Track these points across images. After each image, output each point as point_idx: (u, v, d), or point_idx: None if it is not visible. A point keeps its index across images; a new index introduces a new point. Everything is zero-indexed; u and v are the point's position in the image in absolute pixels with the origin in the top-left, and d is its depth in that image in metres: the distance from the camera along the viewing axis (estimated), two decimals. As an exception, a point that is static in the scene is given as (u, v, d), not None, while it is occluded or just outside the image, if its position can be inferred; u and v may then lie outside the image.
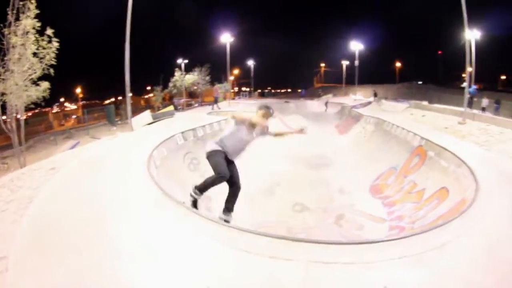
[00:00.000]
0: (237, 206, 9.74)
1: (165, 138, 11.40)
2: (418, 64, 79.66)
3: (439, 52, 74.54)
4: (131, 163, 8.24)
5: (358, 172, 13.47)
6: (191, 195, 6.21)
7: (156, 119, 19.38)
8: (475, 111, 22.03)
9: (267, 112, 6.56)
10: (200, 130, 14.06)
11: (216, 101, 27.41)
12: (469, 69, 33.94)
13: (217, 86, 28.46)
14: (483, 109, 22.90)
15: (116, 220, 4.80)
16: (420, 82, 69.34)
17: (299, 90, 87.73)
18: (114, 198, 5.70)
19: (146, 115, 19.80)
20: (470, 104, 23.48)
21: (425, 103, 27.21)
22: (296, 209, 10.16)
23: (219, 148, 6.24)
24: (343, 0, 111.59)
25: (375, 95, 43.53)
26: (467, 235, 4.82)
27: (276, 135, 7.30)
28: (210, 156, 6.26)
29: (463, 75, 19.77)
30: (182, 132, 12.70)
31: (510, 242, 4.72)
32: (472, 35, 29.24)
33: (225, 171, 5.95)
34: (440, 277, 3.71)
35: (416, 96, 37.39)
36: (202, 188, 6.24)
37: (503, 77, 67.32)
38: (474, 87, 23.03)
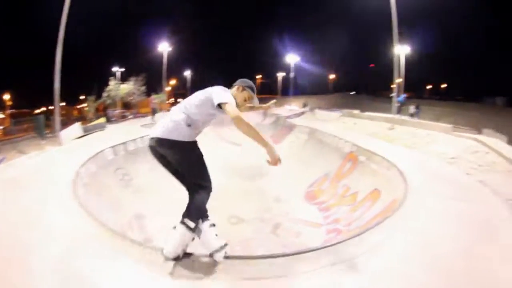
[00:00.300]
0: (174, 222, 9.34)
1: (94, 153, 10.55)
2: (352, 76, 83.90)
3: (371, 65, 79.37)
4: (56, 182, 7.49)
5: (293, 180, 13.53)
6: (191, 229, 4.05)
7: (87, 132, 18.35)
8: (403, 117, 23.37)
9: (250, 95, 4.41)
10: (131, 144, 13.18)
11: (154, 112, 26.44)
12: (399, 80, 36.63)
13: (153, 96, 27.39)
14: (411, 115, 24.33)
15: (35, 257, 4.20)
16: (353, 93, 72.80)
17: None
18: (33, 228, 5.02)
19: (76, 128, 18.69)
20: (399, 111, 24.97)
21: (356, 111, 28.42)
22: (232, 222, 9.95)
23: (194, 137, 4.21)
24: (281, 15, 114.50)
25: (304, 105, 44.52)
26: (400, 235, 4.94)
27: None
28: (184, 149, 4.04)
29: (392, 86, 20.99)
30: (112, 147, 11.88)
31: (442, 237, 4.89)
32: (401, 50, 31.62)
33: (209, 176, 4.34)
34: (375, 280, 3.69)
35: (349, 106, 38.92)
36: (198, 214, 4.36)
37: (429, 87, 74.18)
38: (403, 96, 24.73)
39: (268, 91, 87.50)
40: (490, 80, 57.84)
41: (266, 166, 10.87)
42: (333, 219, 9.48)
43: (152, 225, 8.90)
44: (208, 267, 3.84)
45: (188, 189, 4.37)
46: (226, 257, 4.09)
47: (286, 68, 57.88)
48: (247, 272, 3.81)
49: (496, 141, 13.27)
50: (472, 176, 9.64)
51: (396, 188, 8.15)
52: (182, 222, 4.00)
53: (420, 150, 13.20)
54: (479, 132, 16.00)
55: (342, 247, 4.44)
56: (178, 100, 74.83)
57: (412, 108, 25.08)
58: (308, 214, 10.28)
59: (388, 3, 18.07)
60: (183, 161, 4.10)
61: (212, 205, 10.54)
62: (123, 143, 12.70)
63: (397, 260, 4.11)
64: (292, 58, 52.80)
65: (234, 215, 10.32)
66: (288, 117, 30.87)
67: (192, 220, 4.02)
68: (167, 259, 3.93)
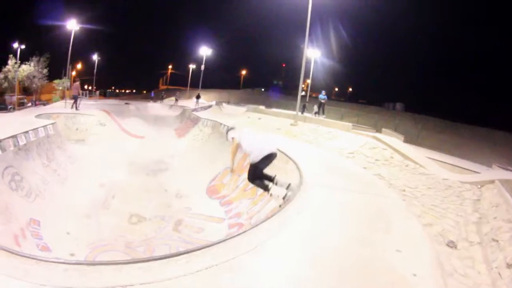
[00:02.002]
0: (71, 226, 8.86)
1: None
2: (263, 73, 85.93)
3: (283, 65, 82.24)
4: None
5: (196, 174, 13.64)
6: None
7: (-28, 124, 16.36)
8: (307, 114, 24.58)
9: None
10: (22, 137, 11.50)
11: (76, 99, 24.12)
12: (308, 80, 38.56)
13: (78, 83, 24.79)
14: (316, 113, 25.52)
15: None
16: (262, 89, 74.64)
17: (144, 91, 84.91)
18: None
19: (-42, 119, 16.59)
20: (303, 109, 26.09)
21: (262, 107, 29.23)
22: (133, 221, 9.77)
23: None
24: (195, 6, 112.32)
25: (198, 97, 44.28)
26: (288, 229, 5.06)
27: None
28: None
29: (302, 85, 21.82)
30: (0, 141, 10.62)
31: (333, 228, 5.14)
32: (313, 53, 33.59)
33: None
34: (257, 282, 3.68)
35: (257, 102, 39.80)
36: None
37: (336, 89, 79.66)
38: (323, 93, 25.52)
39: (179, 82, 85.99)
40: (392, 86, 64.04)
41: (168, 160, 10.73)
42: (235, 213, 9.75)
43: (48, 232, 8.30)
44: (80, 275, 3.65)
45: None
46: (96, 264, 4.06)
47: (199, 61, 57.24)
48: (115, 279, 3.63)
49: (393, 139, 14.57)
50: (369, 169, 10.55)
51: (293, 182, 8.59)
52: None
53: (321, 146, 14.03)
54: (379, 131, 17.52)
55: (221, 248, 4.40)
56: (84, 86, 69.70)
57: (315, 107, 26.33)
58: (210, 209, 10.46)
59: (305, 7, 18.86)
60: None
61: (111, 204, 10.37)
62: (13, 136, 11.33)
63: (282, 258, 4.17)
64: (204, 51, 52.33)
65: (135, 213, 10.14)
66: (195, 110, 30.69)
67: None
68: None
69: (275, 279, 3.71)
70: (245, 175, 11.49)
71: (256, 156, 6.54)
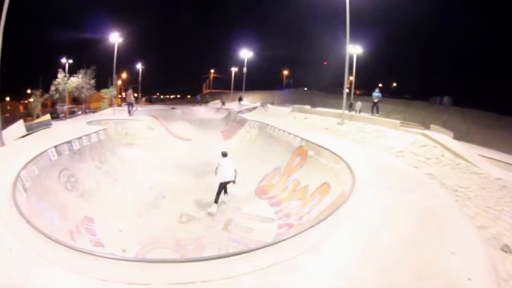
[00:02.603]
0: (122, 224, 9.14)
1: (36, 155, 9.57)
2: (305, 72, 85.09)
3: (325, 62, 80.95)
4: None
5: (244, 175, 13.36)
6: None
7: (30, 130, 17.28)
8: (353, 113, 23.92)
9: None
10: (76, 142, 12.30)
11: (129, 105, 25.31)
12: (351, 78, 37.68)
13: (131, 91, 26.00)
14: (359, 111, 24.83)
15: None
16: (305, 89, 73.76)
17: (189, 96, 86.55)
18: None
19: (19, 126, 17.48)
20: (350, 108, 25.28)
21: (307, 107, 28.67)
22: (183, 220, 9.81)
23: None
24: (236, 9, 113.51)
25: (240, 99, 44.55)
26: (343, 229, 4.98)
27: None
28: None
29: (345, 83, 21.17)
30: (56, 146, 10.94)
31: (387, 229, 5.00)
32: (353, 49, 32.60)
33: None
34: (316, 281, 3.63)
35: (301, 101, 39.37)
36: None
37: (380, 85, 76.93)
38: (377, 90, 23.06)
39: (222, 85, 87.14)
40: (438, 80, 60.97)
41: (216, 162, 10.82)
42: (284, 214, 9.60)
43: (101, 229, 8.60)
44: (141, 272, 3.67)
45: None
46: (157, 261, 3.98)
47: (240, 63, 57.54)
48: (175, 276, 3.65)
49: (443, 136, 13.88)
50: (420, 169, 10.07)
51: (344, 182, 8.38)
52: None
53: (369, 144, 13.60)
54: (427, 128, 16.74)
55: (280, 247, 4.39)
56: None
57: (358, 104, 25.61)
58: (259, 209, 10.35)
59: (344, 3, 18.39)
60: None
61: (162, 204, 10.50)
62: (68, 142, 11.89)
63: (338, 258, 4.11)
64: (245, 53, 52.49)
65: (185, 213, 10.20)
66: (240, 112, 30.81)
67: None
68: None
69: (332, 278, 3.67)
70: (295, 175, 11.48)
71: (224, 179, 10.61)
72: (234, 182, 10.78)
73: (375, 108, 22.89)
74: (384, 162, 10.38)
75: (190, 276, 3.54)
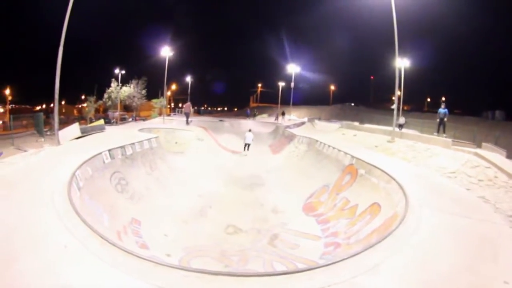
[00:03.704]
0: (168, 229, 9.33)
1: (90, 156, 10.12)
2: (351, 88, 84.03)
3: (372, 77, 79.47)
4: (51, 184, 7.21)
5: (291, 191, 13.41)
6: None
7: (85, 133, 18.09)
8: (403, 130, 23.18)
9: None
10: (129, 148, 12.89)
11: (187, 116, 26.78)
12: (398, 92, 36.57)
13: (189, 103, 27.52)
14: (400, 126, 24.12)
15: (27, 259, 4.04)
16: (352, 104, 72.70)
17: (236, 109, 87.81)
18: (26, 232, 4.82)
19: (75, 128, 18.37)
20: (401, 126, 24.46)
21: (356, 123, 28.28)
22: (229, 231, 9.79)
23: None
24: (283, 25, 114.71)
25: (283, 113, 44.68)
26: (399, 252, 4.84)
27: None
28: None
29: (393, 98, 20.53)
30: (109, 150, 11.48)
31: (443, 254, 4.82)
32: (401, 63, 31.69)
33: None
34: None
35: (348, 117, 39.02)
36: None
37: (428, 99, 74.26)
38: (443, 106, 20.52)
39: (269, 99, 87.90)
40: (490, 93, 57.71)
41: (264, 175, 10.74)
42: (332, 232, 9.33)
43: (147, 232, 8.76)
44: (200, 282, 3.66)
45: None
46: (218, 274, 3.95)
47: (287, 78, 57.77)
48: None
49: (496, 156, 13.13)
50: (473, 191, 9.55)
51: (396, 202, 8.07)
52: None
53: (420, 164, 13.11)
54: (479, 146, 15.92)
55: (340, 267, 4.30)
56: (179, 105, 74.59)
57: (401, 120, 24.89)
58: (306, 226, 10.12)
59: (390, 17, 18.00)
60: None
61: (209, 213, 10.58)
62: (121, 146, 12.40)
63: (397, 280, 4.03)
64: (293, 68, 52.57)
65: (231, 224, 10.18)
66: (288, 127, 30.80)
67: None
68: None
69: None
70: (344, 193, 11.23)
71: (246, 141, 19.60)
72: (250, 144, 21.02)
73: (441, 127, 20.27)
74: (437, 183, 9.97)
75: None
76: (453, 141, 16.07)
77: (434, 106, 69.29)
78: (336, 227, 9.51)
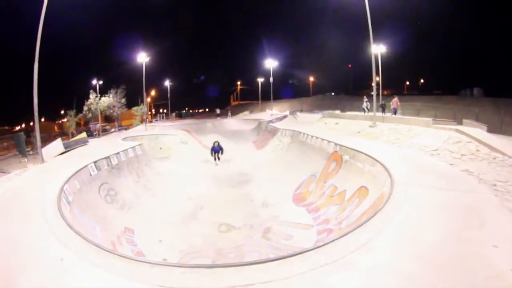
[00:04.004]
0: (163, 233, 9.37)
1: (76, 170, 10.11)
2: (331, 77, 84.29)
3: (350, 66, 79.84)
4: (40, 201, 7.21)
5: (280, 184, 13.55)
6: None
7: (68, 148, 17.88)
8: (387, 114, 23.46)
9: None
10: (114, 157, 12.88)
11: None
12: (377, 78, 36.90)
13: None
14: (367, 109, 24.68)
15: (26, 275, 4.08)
16: (333, 93, 73.04)
17: (217, 109, 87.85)
18: (22, 249, 4.86)
19: (58, 144, 18.16)
20: (383, 109, 24.74)
21: (337, 111, 28.56)
22: (222, 230, 9.89)
23: None
24: (256, 19, 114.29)
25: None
26: (389, 228, 4.99)
27: None
28: None
29: (372, 84, 20.80)
30: (95, 162, 11.47)
31: (431, 226, 4.98)
32: (377, 49, 31.98)
33: None
34: (369, 276, 3.68)
35: (329, 107, 39.07)
36: None
37: (407, 83, 75.16)
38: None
39: (249, 97, 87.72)
40: (466, 72, 58.52)
41: (251, 172, 10.85)
42: (323, 219, 9.50)
43: (142, 240, 8.83)
44: (199, 276, 3.75)
45: None
46: (214, 266, 4.08)
47: (266, 73, 57.73)
48: (234, 280, 3.73)
49: (477, 130, 13.46)
50: (456, 166, 9.79)
51: (382, 183, 8.29)
52: None
53: (403, 145, 13.36)
54: (460, 123, 16.26)
55: (331, 248, 4.43)
56: (160, 110, 73.94)
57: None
58: (298, 216, 10.27)
59: (362, 5, 18.23)
60: None
61: (201, 214, 10.65)
62: (106, 157, 12.34)
63: (388, 255, 4.14)
64: (270, 63, 52.68)
65: (224, 223, 10.27)
66: (270, 121, 30.92)
67: None
68: None
69: (386, 274, 3.73)
70: (331, 181, 11.40)
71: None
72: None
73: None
74: (420, 161, 10.21)
75: (250, 279, 3.62)
76: (434, 120, 16.40)
77: (413, 89, 70.49)
78: (326, 214, 9.69)
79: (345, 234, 4.83)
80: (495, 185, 7.75)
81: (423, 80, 74.65)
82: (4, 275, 4.04)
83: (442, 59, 64.01)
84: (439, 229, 4.86)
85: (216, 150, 19.19)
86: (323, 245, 4.39)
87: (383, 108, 24.12)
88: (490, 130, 14.72)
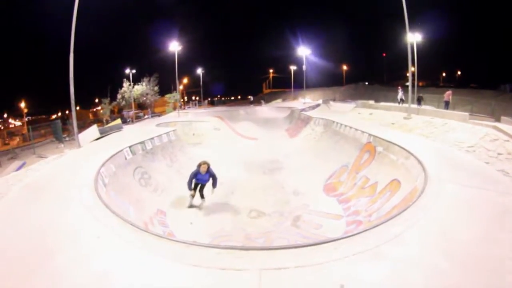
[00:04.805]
0: (193, 217, 9.63)
1: (112, 154, 10.59)
2: (364, 66, 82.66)
3: (384, 55, 77.86)
4: (78, 183, 7.54)
5: (311, 173, 13.54)
6: None
7: (103, 133, 18.43)
8: (422, 106, 22.86)
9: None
10: (148, 142, 13.34)
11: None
12: (412, 68, 35.84)
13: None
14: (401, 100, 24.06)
15: (64, 251, 4.29)
16: (366, 83, 71.61)
17: (250, 97, 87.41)
18: (60, 228, 5.10)
19: (93, 130, 18.80)
20: (419, 102, 24.04)
21: (371, 102, 28.05)
22: (252, 216, 10.01)
23: None
24: (289, 7, 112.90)
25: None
26: (421, 222, 4.95)
27: None
28: None
29: (407, 74, 20.27)
30: (130, 146, 11.96)
31: (462, 225, 4.88)
32: (413, 38, 30.93)
33: None
34: (399, 268, 3.70)
35: (363, 97, 38.60)
36: None
37: (444, 74, 72.49)
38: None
39: (281, 85, 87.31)
40: (506, 65, 55.81)
41: (283, 159, 10.83)
42: (353, 211, 9.45)
43: (173, 222, 9.17)
44: (233, 258, 3.86)
45: None
46: (249, 249, 4.20)
47: (298, 62, 57.10)
48: (268, 262, 3.83)
49: (516, 129, 13.00)
50: (492, 165, 9.49)
51: (415, 177, 8.13)
52: None
53: (438, 139, 13.05)
54: (497, 120, 15.68)
55: (363, 237, 4.45)
56: (192, 98, 74.75)
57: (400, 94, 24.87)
58: (328, 206, 10.26)
59: None
60: None
61: (231, 199, 10.81)
62: (141, 142, 12.79)
63: (419, 249, 4.13)
64: (303, 51, 51.85)
65: (254, 209, 10.39)
66: (303, 110, 30.74)
67: None
68: None
69: (414, 267, 3.74)
70: (363, 172, 11.30)
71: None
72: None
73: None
74: (455, 157, 9.87)
75: (283, 262, 3.71)
76: (470, 115, 15.89)
77: (450, 81, 67.93)
78: (357, 206, 9.63)
79: (377, 225, 4.85)
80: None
81: (460, 72, 71.88)
82: (43, 252, 4.24)
83: (482, 50, 61.29)
84: (470, 228, 4.80)
85: (202, 180, 10.36)
86: (355, 234, 4.43)
87: (419, 101, 23.47)
88: (529, 129, 14.12)
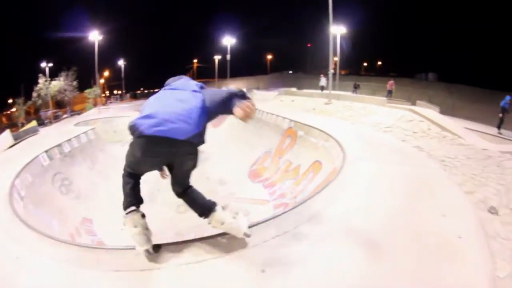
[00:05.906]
0: (121, 219, 9.21)
1: (27, 162, 9.50)
2: (288, 56, 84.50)
3: (308, 45, 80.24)
4: None
5: (236, 161, 13.82)
6: None
7: (18, 139, 17.11)
8: (341, 92, 24.00)
9: None
10: (66, 145, 12.31)
11: None
12: (335, 58, 37.55)
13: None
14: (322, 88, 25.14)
15: None
16: (290, 72, 73.36)
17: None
18: None
19: (6, 136, 17.36)
20: (356, 89, 25.04)
21: (294, 89, 28.96)
22: (181, 210, 9.88)
23: None
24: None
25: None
26: (340, 200, 5.19)
27: None
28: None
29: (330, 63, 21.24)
30: (46, 151, 10.92)
31: (382, 197, 5.26)
32: (337, 30, 32.31)
33: None
34: (319, 246, 3.81)
35: (286, 85, 39.60)
36: None
37: (365, 64, 76.98)
38: (508, 98, 15.41)
39: (206, 74, 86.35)
40: (422, 57, 60.76)
41: (208, 150, 10.74)
42: (279, 194, 9.79)
43: (101, 229, 8.81)
44: (150, 256, 3.87)
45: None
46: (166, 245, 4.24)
47: (223, 51, 56.86)
48: (186, 257, 3.89)
49: (430, 111, 14.17)
50: (408, 142, 10.32)
51: (335, 158, 8.57)
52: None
53: (357, 122, 13.82)
54: (414, 104, 17.01)
55: (283, 218, 4.57)
56: (114, 92, 70.93)
57: (323, 81, 26.02)
58: (254, 192, 10.54)
59: None
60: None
61: (158, 197, 10.58)
62: (58, 145, 11.80)
63: (339, 226, 4.29)
64: (228, 41, 51.90)
65: (182, 203, 10.24)
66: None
67: None
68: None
69: (336, 244, 3.84)
70: (286, 156, 11.66)
71: None
72: None
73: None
74: (373, 137, 10.62)
75: (201, 255, 3.83)
76: (388, 99, 17.06)
77: (371, 70, 72.38)
78: (282, 189, 9.99)
79: (295, 207, 5.02)
80: (443, 160, 8.28)
81: (381, 62, 76.72)
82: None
83: (399, 42, 66.01)
84: (390, 200, 5.12)
85: None
86: (272, 218, 4.56)
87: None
88: (442, 112, 15.66)
